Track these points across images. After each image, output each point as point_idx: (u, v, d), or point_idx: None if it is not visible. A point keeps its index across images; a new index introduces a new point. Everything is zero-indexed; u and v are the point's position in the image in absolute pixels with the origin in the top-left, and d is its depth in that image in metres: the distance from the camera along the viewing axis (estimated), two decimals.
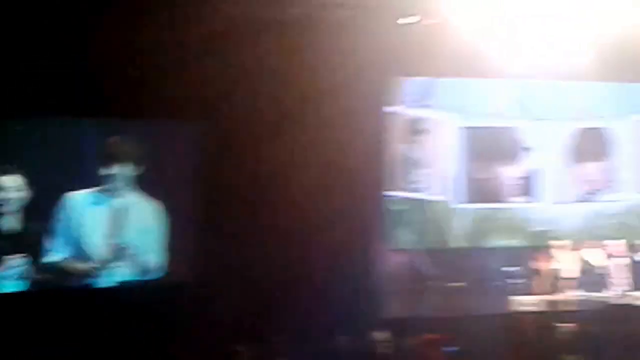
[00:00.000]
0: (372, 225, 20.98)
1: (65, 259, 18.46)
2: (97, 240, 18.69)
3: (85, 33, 17.84)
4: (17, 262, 18.05)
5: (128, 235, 18.92)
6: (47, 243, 18.28)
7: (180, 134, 19.48)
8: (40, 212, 18.24)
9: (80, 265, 18.60)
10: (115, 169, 18.71)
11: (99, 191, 18.71)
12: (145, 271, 19.14)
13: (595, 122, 23.45)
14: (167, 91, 18.42)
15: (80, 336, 17.44)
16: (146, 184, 18.97)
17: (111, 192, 18.78)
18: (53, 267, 18.34)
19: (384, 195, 21.89)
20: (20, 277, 18.05)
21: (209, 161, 19.46)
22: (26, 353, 16.91)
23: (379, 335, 18.52)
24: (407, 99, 22.23)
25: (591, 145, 23.53)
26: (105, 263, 18.72)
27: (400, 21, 20.26)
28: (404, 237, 22.34)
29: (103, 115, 18.53)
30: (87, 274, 18.63)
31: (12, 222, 18.08)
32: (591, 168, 23.55)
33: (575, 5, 20.25)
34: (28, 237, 18.17)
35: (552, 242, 22.27)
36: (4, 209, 18.06)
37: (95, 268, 18.65)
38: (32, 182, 18.07)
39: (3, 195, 18.07)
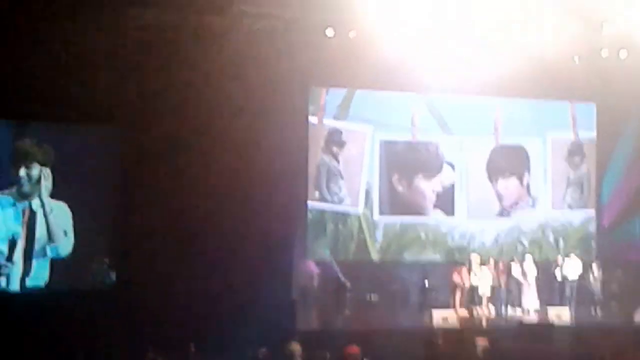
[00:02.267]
0: (292, 235, 20.66)
1: None
2: (6, 243, 18.08)
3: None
4: None
5: (41, 238, 18.34)
6: None
7: (95, 138, 18.99)
8: None
9: None
10: (27, 171, 18.19)
11: (7, 194, 18.17)
12: (58, 275, 18.51)
13: (512, 138, 23.51)
14: (82, 95, 18.05)
15: None
16: (60, 187, 18.45)
17: (24, 195, 18.23)
18: None
19: (305, 206, 21.83)
20: None
21: (126, 166, 19.05)
22: None
23: (296, 347, 18.18)
24: (327, 109, 22.24)
25: (508, 162, 23.61)
26: (18, 266, 18.12)
27: (327, 33, 20.07)
28: (323, 249, 22.28)
29: (16, 117, 18.15)
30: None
31: None
32: (508, 184, 23.61)
33: (494, 22, 20.35)
34: None
35: (469, 257, 22.05)
36: None
37: (3, 269, 18.08)
38: None
39: None
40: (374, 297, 22.05)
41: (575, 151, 24.14)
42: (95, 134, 18.99)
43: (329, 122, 22.25)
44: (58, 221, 18.42)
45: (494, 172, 23.51)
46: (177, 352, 17.43)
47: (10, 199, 18.12)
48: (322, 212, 22.23)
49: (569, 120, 24.00)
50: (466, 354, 18.53)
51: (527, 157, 23.77)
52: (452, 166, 23.16)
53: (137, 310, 18.06)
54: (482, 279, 21.64)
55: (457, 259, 22.68)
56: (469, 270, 21.68)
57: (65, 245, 18.53)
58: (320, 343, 18.40)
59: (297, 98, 20.92)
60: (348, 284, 21.63)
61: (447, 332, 19.38)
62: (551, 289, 22.53)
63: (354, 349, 17.71)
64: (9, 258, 17.98)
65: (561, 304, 21.92)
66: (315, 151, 22.01)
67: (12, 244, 18.00)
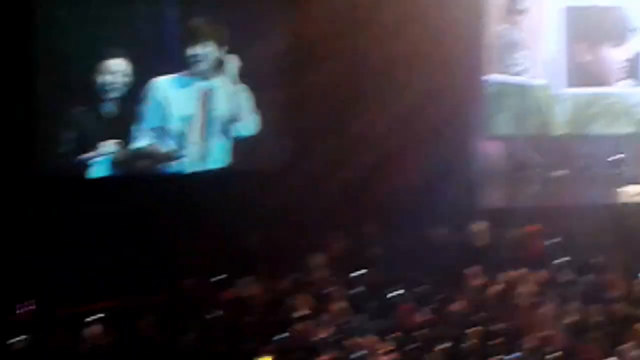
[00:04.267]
0: (471, 111, 20.72)
1: (154, 143, 18.78)
2: (184, 125, 18.89)
3: None
4: (109, 148, 18.43)
5: (215, 119, 19.05)
6: (136, 128, 18.58)
7: (270, 17, 19.34)
8: (131, 97, 18.57)
9: (168, 150, 18.88)
10: (199, 50, 18.80)
11: (183, 75, 18.87)
12: (237, 155, 19.25)
13: None
14: None
15: (166, 223, 17.85)
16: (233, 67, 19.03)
17: (196, 75, 18.92)
18: (141, 152, 18.68)
19: (483, 80, 21.48)
20: (111, 162, 18.47)
21: (299, 48, 19.37)
22: (112, 235, 17.38)
23: (477, 226, 18.44)
24: None
25: None
26: (193, 147, 18.94)
27: None
28: (504, 124, 21.95)
29: None
30: (174, 158, 18.91)
31: (110, 107, 18.47)
32: None
33: None
34: (121, 123, 18.49)
35: None
36: (111, 94, 18.44)
37: (181, 152, 18.91)
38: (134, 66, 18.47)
39: (111, 79, 18.44)
40: (558, 174, 21.97)
41: None
42: (268, 13, 19.34)
43: None
44: (239, 102, 19.14)
45: None
46: (357, 232, 17.96)
47: (186, 79, 18.88)
48: (502, 86, 21.88)
49: None
50: None
51: None
52: None
53: (315, 192, 18.59)
54: None
55: None
56: None
57: (249, 124, 19.25)
58: (505, 221, 18.76)
59: None
60: (533, 160, 21.61)
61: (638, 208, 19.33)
62: None
63: (536, 228, 18.02)
64: (187, 140, 18.82)
65: None
66: (493, 20, 21.63)
67: (190, 125, 18.79)
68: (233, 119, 19.12)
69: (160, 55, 18.57)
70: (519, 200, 20.88)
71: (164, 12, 18.61)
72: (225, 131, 19.12)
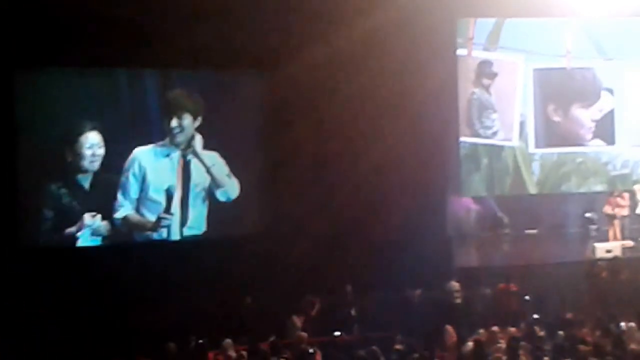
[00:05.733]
0: (446, 172, 21.69)
1: (134, 213, 19.63)
2: (164, 194, 19.75)
3: None
4: (91, 221, 19.27)
5: (194, 188, 19.99)
6: (117, 199, 19.45)
7: (243, 85, 20.39)
8: (111, 169, 19.48)
9: (149, 219, 19.78)
10: (179, 122, 19.78)
11: (162, 145, 19.80)
12: (212, 223, 20.15)
13: None
14: (229, 42, 19.33)
15: (151, 289, 18.42)
16: (209, 136, 20.02)
17: (175, 145, 19.84)
18: (123, 222, 19.57)
19: (458, 142, 22.64)
20: (94, 234, 19.32)
21: (273, 112, 20.34)
22: (98, 304, 18.15)
23: (452, 285, 19.08)
24: (476, 41, 22.90)
25: None
26: (174, 215, 19.83)
27: None
28: (478, 184, 23.15)
29: (164, 66, 19.59)
30: (156, 227, 19.79)
31: (92, 180, 19.35)
32: None
33: None
34: (102, 194, 19.38)
35: (632, 187, 22.78)
36: (91, 166, 19.31)
37: (163, 221, 19.78)
38: (106, 139, 19.34)
39: (89, 152, 19.30)
40: (532, 232, 22.98)
41: None
42: (240, 81, 20.41)
43: (479, 54, 23.02)
44: (216, 169, 20.18)
45: None
46: (333, 294, 18.69)
47: (165, 150, 19.83)
48: (475, 147, 23.05)
49: None
50: (629, 287, 19.17)
51: None
52: (611, 92, 23.62)
53: (292, 253, 19.39)
54: None
55: (619, 188, 23.05)
56: (633, 200, 22.31)
57: (229, 189, 20.27)
58: (479, 280, 19.44)
59: (445, 30, 21.76)
60: (505, 219, 22.51)
61: (610, 265, 20.06)
62: None
63: (509, 286, 18.73)
64: (167, 209, 19.77)
65: None
66: (465, 84, 22.80)
67: (169, 195, 19.75)
68: (213, 186, 20.10)
69: (139, 127, 19.60)
70: (492, 258, 21.86)
71: (145, 84, 19.73)
72: (205, 198, 20.09)
